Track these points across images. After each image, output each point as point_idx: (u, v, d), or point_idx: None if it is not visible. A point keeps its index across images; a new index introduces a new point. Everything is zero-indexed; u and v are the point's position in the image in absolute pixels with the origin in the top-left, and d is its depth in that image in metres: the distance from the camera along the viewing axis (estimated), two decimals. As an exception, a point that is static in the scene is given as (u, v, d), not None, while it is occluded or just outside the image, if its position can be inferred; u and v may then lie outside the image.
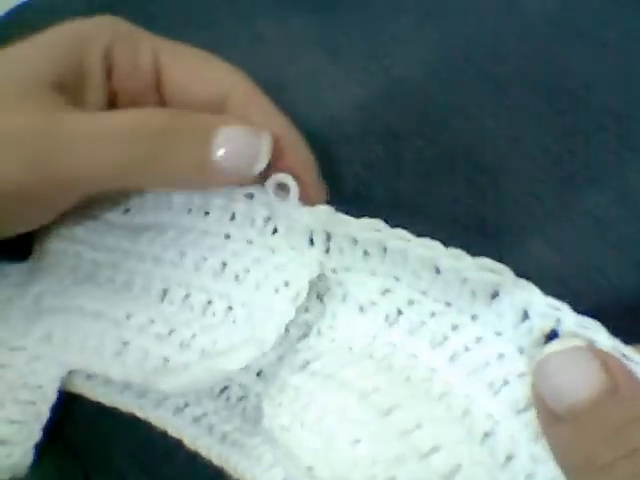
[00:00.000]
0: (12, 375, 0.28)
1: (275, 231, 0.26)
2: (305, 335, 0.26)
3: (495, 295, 0.24)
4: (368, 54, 0.33)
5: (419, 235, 0.24)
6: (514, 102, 0.32)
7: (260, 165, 0.25)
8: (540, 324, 0.23)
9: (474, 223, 0.29)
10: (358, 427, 0.23)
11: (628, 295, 0.27)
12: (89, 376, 0.28)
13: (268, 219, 0.26)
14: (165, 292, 0.28)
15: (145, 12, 0.38)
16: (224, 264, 0.27)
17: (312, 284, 0.25)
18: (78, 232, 0.30)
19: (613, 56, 0.33)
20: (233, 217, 0.27)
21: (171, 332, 0.27)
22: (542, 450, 0.22)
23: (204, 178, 0.25)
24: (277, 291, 0.25)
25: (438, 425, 0.23)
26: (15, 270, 0.31)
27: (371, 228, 0.24)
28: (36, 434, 0.28)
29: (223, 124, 0.24)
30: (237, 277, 0.26)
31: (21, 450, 0.27)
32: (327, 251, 0.25)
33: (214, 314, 0.27)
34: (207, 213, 0.28)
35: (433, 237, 0.29)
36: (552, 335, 0.23)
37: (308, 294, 0.25)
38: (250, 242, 0.27)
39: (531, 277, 0.28)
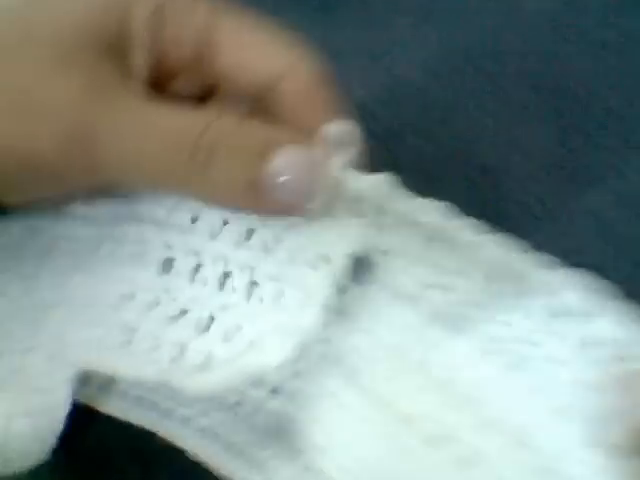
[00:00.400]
0: (25, 380, 0.25)
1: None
2: (334, 328, 0.22)
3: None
4: (368, 54, 0.33)
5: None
6: (514, 102, 0.32)
7: (315, 202, 0.21)
8: (616, 360, 0.20)
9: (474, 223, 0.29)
10: (406, 458, 0.20)
11: (628, 295, 0.27)
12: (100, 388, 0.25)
13: None
14: (170, 262, 0.23)
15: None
16: (251, 230, 0.22)
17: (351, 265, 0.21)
18: (75, 208, 0.25)
19: (613, 56, 0.33)
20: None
21: (183, 312, 0.23)
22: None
23: (249, 204, 0.21)
24: (315, 267, 0.21)
25: (498, 458, 0.20)
26: (14, 255, 0.26)
27: (438, 212, 0.21)
28: (51, 442, 0.24)
29: (284, 143, 0.20)
30: (265, 246, 0.22)
31: (35, 459, 0.24)
32: (377, 228, 0.22)
33: (234, 290, 0.22)
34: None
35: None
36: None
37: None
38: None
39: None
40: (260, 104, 0.24)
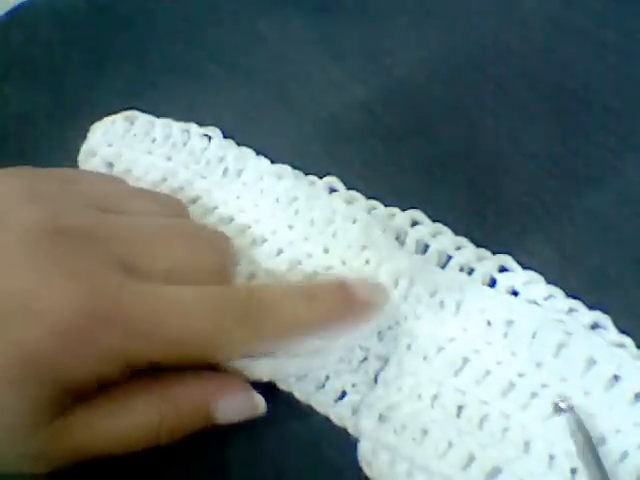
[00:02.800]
0: None
1: (367, 262, 0.28)
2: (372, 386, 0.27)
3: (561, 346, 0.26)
4: (369, 53, 0.33)
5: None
6: (514, 102, 0.32)
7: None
8: (606, 370, 0.25)
9: (474, 223, 0.29)
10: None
11: (628, 294, 0.27)
12: None
13: (364, 248, 0.28)
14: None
15: (145, 10, 0.38)
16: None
17: (383, 327, 0.27)
18: None
19: (613, 56, 0.33)
20: (335, 234, 0.29)
21: None
22: None
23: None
24: None
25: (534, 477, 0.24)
26: None
27: (456, 283, 0.27)
28: None
29: (221, 393, 0.26)
30: None
31: None
32: (405, 298, 0.27)
33: None
34: (312, 222, 0.30)
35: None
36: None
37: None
38: (344, 263, 0.29)
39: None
40: None
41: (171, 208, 0.29)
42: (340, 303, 0.27)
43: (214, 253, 0.28)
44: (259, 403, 0.26)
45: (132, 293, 0.24)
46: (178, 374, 0.26)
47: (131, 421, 0.25)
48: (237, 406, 0.26)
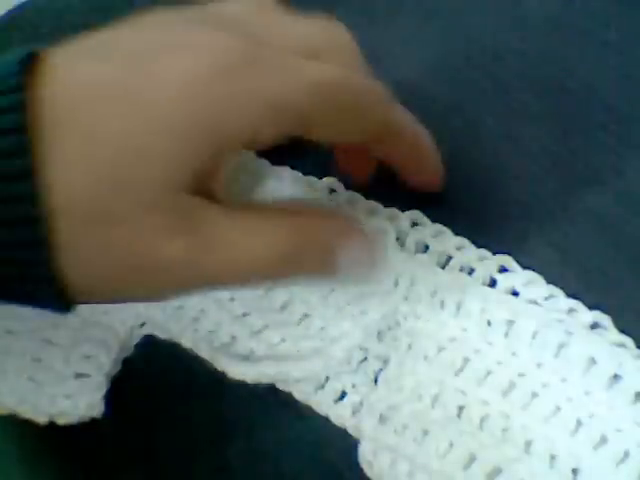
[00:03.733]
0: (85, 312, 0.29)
1: None
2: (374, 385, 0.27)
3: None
4: (368, 54, 0.33)
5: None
6: (514, 102, 0.32)
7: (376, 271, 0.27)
8: (607, 369, 0.25)
9: (474, 223, 0.29)
10: None
11: (628, 294, 0.27)
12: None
13: None
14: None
15: (146, 11, 0.38)
16: None
17: (383, 328, 0.27)
18: None
19: (613, 56, 0.33)
20: None
21: (245, 315, 0.29)
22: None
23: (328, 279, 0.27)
24: (353, 317, 0.28)
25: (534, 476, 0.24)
26: None
27: (457, 283, 0.27)
28: (103, 386, 0.28)
29: (345, 239, 0.25)
30: (323, 294, 0.29)
31: (85, 402, 0.28)
32: (406, 298, 0.27)
33: (291, 314, 0.29)
34: None
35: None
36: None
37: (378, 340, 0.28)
38: None
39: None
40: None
41: None
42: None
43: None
44: (377, 258, 0.26)
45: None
46: (306, 208, 0.26)
47: (260, 238, 0.24)
48: (358, 254, 0.25)
